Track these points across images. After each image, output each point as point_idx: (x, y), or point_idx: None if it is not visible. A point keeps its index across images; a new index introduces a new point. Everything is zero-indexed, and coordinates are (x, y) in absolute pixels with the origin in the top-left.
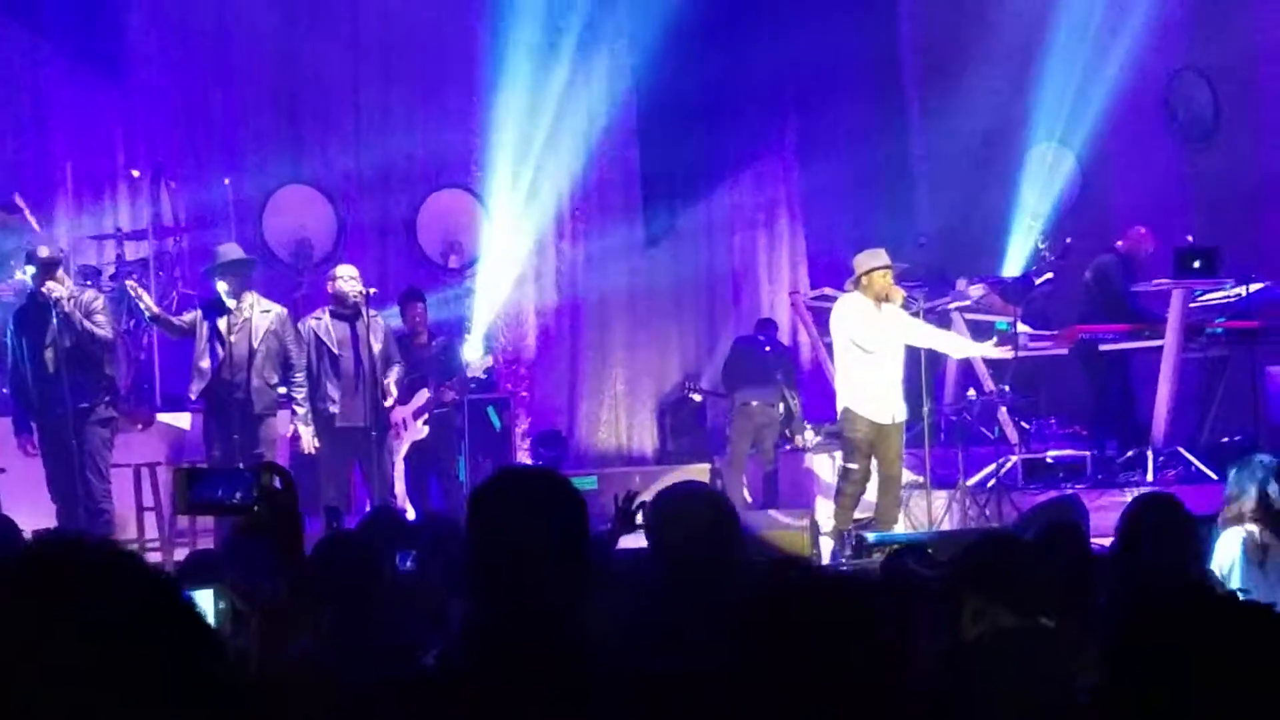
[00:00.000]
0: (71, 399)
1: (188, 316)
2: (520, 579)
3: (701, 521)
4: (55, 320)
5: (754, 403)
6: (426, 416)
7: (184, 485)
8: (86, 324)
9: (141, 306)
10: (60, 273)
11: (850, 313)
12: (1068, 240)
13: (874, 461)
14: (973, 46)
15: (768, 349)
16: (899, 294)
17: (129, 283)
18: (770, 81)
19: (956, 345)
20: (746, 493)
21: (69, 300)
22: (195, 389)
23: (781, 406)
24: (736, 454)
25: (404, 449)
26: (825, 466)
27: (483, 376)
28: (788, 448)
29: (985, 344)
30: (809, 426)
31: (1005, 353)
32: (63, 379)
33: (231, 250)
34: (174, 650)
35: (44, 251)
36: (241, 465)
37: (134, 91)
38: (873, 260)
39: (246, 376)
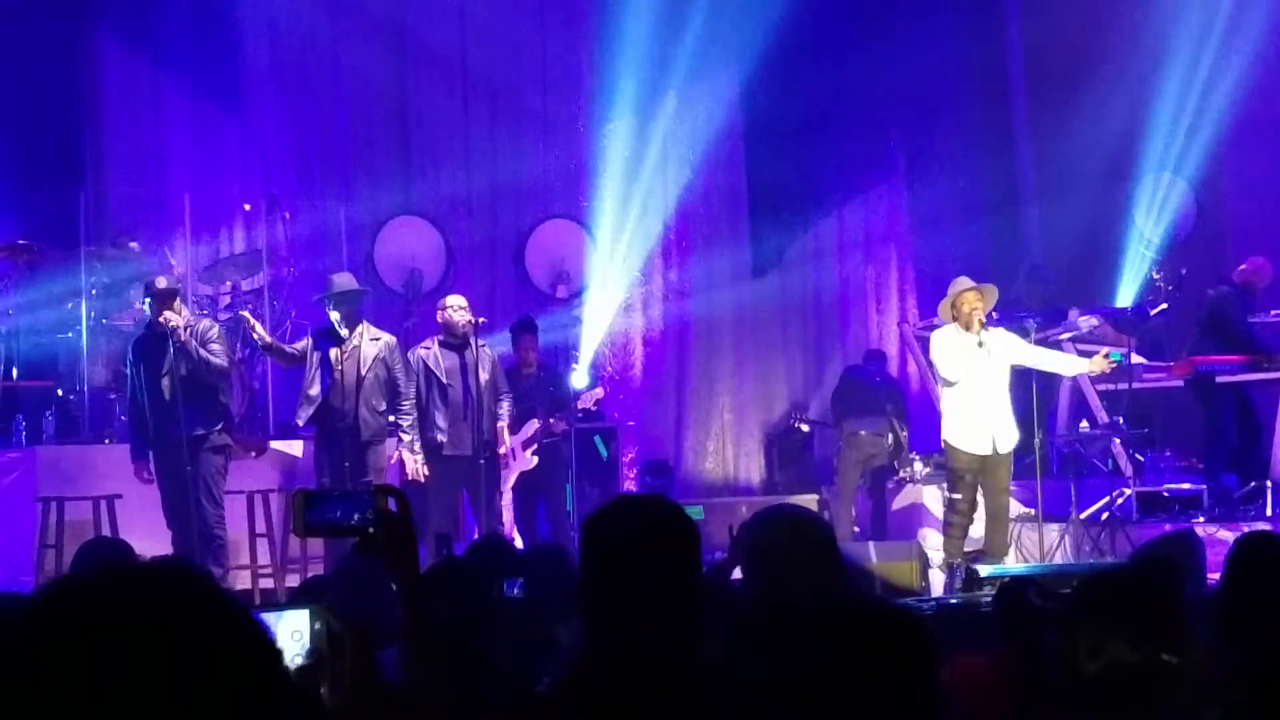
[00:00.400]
0: (187, 427)
1: (299, 345)
2: (634, 607)
3: (799, 546)
4: (172, 349)
5: (862, 433)
6: (535, 447)
7: (301, 507)
8: (202, 353)
9: (254, 336)
10: (177, 302)
11: (938, 346)
12: (1183, 271)
13: (980, 492)
14: (1083, 72)
15: (877, 379)
16: (978, 322)
17: (243, 313)
18: (878, 107)
19: (1065, 363)
20: (854, 524)
21: (185, 329)
22: (303, 416)
23: (890, 438)
24: (844, 485)
25: (512, 478)
26: (934, 498)
27: (593, 408)
28: (894, 480)
29: (1095, 359)
30: (917, 458)
31: (1108, 366)
32: (179, 407)
33: (345, 280)
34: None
35: (161, 282)
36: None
37: (250, 123)
38: (954, 287)
39: (355, 404)
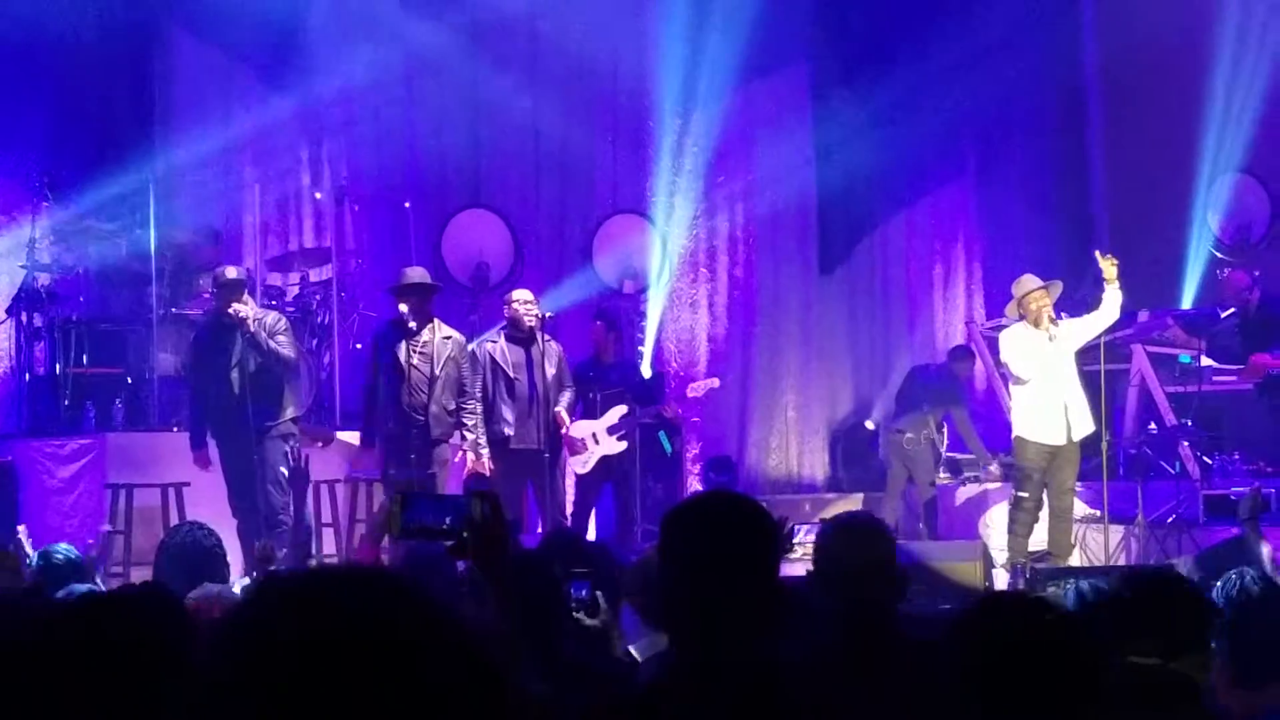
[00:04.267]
0: (255, 417)
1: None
2: (721, 608)
3: (869, 553)
4: (240, 340)
5: (906, 433)
6: (624, 431)
7: (399, 510)
8: (270, 344)
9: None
10: (245, 294)
11: (1008, 345)
12: (1256, 273)
13: (1046, 493)
14: (1158, 73)
15: (930, 379)
16: (1048, 320)
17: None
18: (950, 106)
19: (1109, 307)
20: (898, 522)
21: (254, 321)
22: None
23: (922, 436)
24: (892, 483)
25: (592, 462)
26: (1000, 497)
27: (701, 397)
28: (960, 479)
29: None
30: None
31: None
32: (247, 398)
33: (417, 273)
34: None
35: (230, 273)
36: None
37: (320, 116)
38: (1021, 287)
39: (426, 401)
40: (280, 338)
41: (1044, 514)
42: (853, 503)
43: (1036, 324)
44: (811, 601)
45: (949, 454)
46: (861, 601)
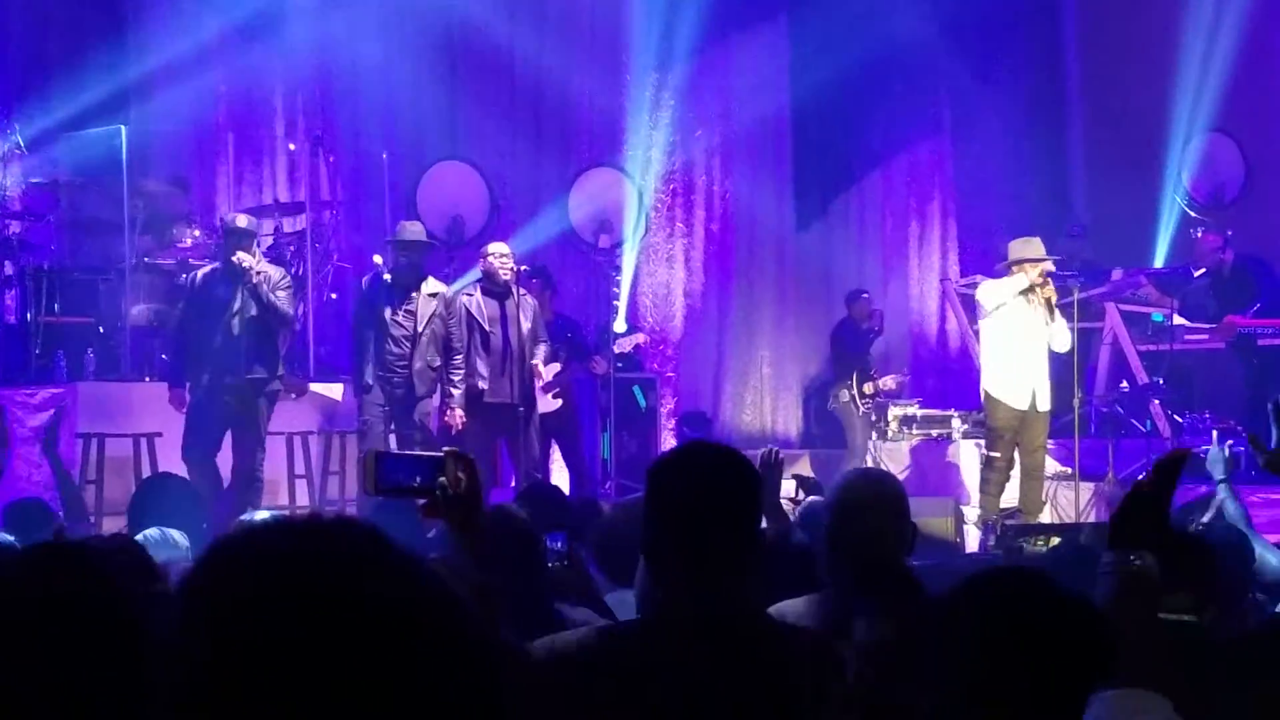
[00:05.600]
0: (247, 368)
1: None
2: (706, 557)
3: (886, 507)
4: (243, 290)
5: (837, 396)
6: (556, 390)
7: (373, 467)
8: (270, 297)
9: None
10: (254, 245)
11: (990, 286)
12: (1229, 232)
13: (1017, 451)
14: (1134, 31)
15: (839, 338)
16: (1051, 291)
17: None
18: (926, 63)
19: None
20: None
21: (257, 273)
22: (369, 372)
23: (842, 397)
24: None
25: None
26: (970, 455)
27: (630, 352)
28: (935, 437)
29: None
30: (955, 414)
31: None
32: (241, 347)
33: (413, 229)
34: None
35: (240, 221)
36: (415, 451)
37: (293, 64)
38: (1025, 250)
39: (409, 358)
40: (281, 293)
41: (1015, 472)
42: (824, 459)
43: (1028, 289)
44: (789, 545)
45: (923, 410)
46: (875, 557)
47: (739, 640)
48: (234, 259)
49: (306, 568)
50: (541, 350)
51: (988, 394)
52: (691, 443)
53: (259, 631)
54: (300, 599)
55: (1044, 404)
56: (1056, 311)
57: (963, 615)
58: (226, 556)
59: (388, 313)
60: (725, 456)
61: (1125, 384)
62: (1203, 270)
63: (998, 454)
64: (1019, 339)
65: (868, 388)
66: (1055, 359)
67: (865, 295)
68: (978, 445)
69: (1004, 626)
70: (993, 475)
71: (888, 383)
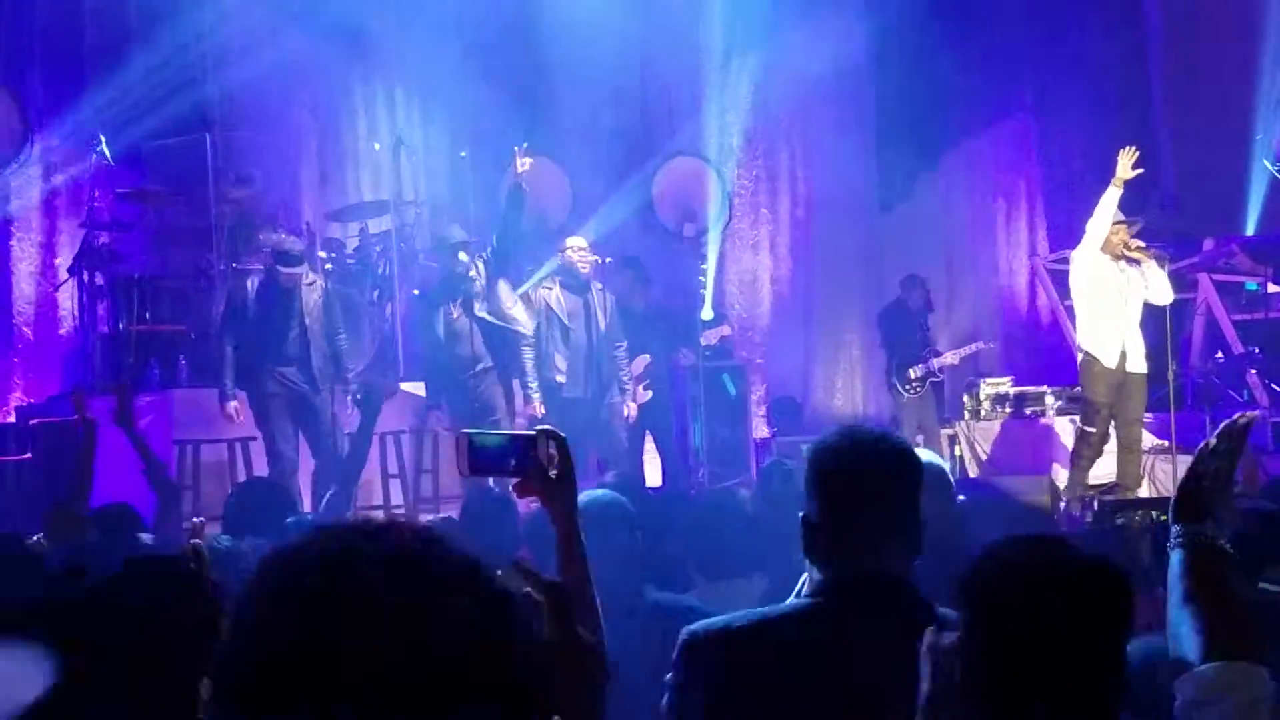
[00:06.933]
0: (318, 377)
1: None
2: (868, 543)
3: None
4: (300, 306)
5: (895, 385)
6: (648, 381)
7: (466, 448)
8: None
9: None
10: (305, 265)
11: (1080, 261)
12: None
13: (1114, 425)
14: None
15: (884, 326)
16: (1137, 246)
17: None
18: (1007, 41)
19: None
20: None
21: (313, 284)
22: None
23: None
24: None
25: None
26: (1065, 432)
27: (717, 344)
28: (1029, 413)
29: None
30: (1048, 391)
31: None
32: (309, 358)
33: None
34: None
35: (286, 244)
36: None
37: (374, 64)
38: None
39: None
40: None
41: (1113, 446)
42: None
43: (1120, 255)
44: None
45: (1016, 388)
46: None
47: (912, 610)
48: (290, 272)
49: (339, 571)
50: (624, 349)
51: (1083, 353)
52: (853, 428)
53: (288, 632)
54: (328, 601)
55: (1137, 365)
56: (1152, 262)
57: (974, 594)
58: (273, 562)
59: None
60: (892, 442)
61: (1220, 354)
62: None
63: (1093, 429)
64: (1111, 299)
65: (913, 372)
66: (1152, 329)
67: (914, 276)
68: (1072, 421)
69: (1018, 594)
70: (1085, 450)
71: (949, 359)
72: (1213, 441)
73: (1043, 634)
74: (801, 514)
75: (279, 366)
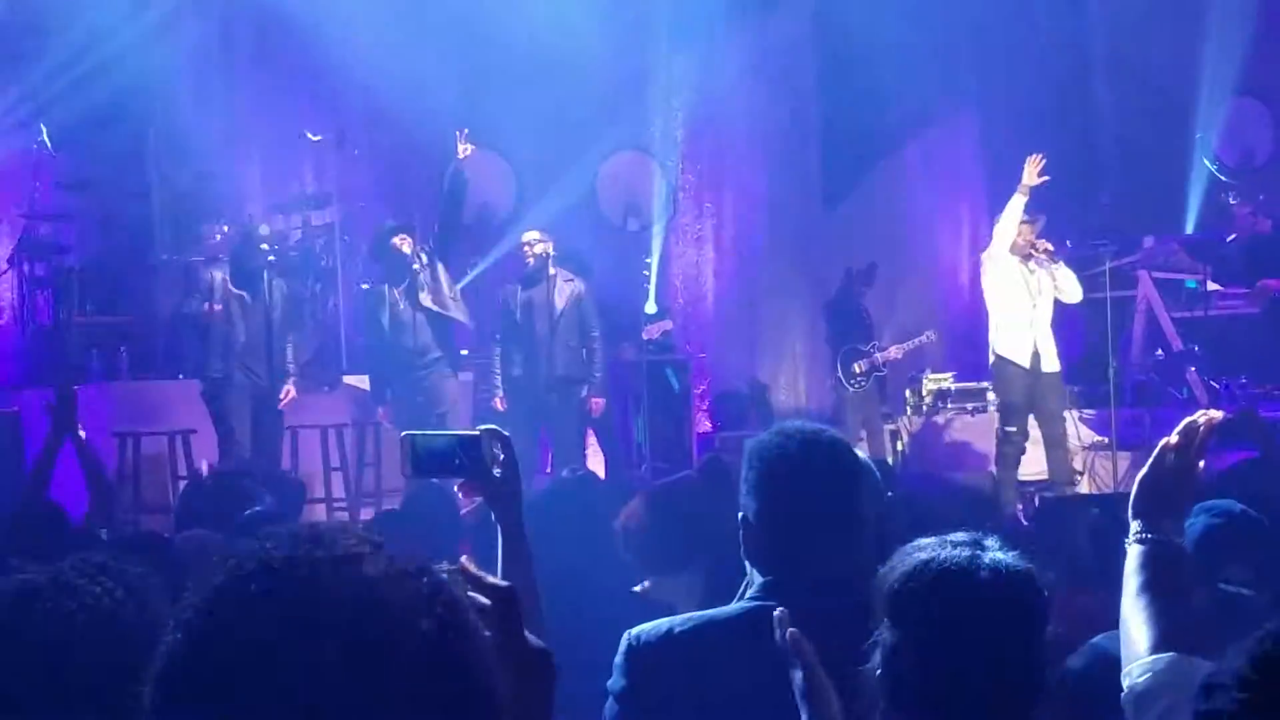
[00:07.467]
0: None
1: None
2: (813, 544)
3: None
4: (265, 297)
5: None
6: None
7: (409, 448)
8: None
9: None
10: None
11: (989, 263)
12: (1260, 196)
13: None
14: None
15: (829, 320)
16: (1044, 246)
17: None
18: (951, 35)
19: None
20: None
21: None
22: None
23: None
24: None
25: None
26: (985, 431)
27: (659, 339)
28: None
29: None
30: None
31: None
32: (271, 353)
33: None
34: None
35: (264, 229)
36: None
37: (313, 54)
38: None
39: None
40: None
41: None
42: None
43: (1028, 255)
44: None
45: (958, 384)
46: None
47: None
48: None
49: (282, 580)
50: (596, 341)
51: (995, 355)
52: (789, 425)
53: (225, 634)
54: (270, 606)
55: (1051, 364)
56: (1060, 262)
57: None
58: (218, 568)
59: (411, 295)
60: (830, 438)
61: (1160, 352)
62: (1234, 235)
63: (1013, 428)
64: (1020, 299)
65: (857, 367)
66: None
67: (853, 269)
68: (980, 417)
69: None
70: (1007, 449)
71: (892, 353)
72: (1174, 439)
73: (958, 642)
74: (740, 514)
75: (244, 359)
